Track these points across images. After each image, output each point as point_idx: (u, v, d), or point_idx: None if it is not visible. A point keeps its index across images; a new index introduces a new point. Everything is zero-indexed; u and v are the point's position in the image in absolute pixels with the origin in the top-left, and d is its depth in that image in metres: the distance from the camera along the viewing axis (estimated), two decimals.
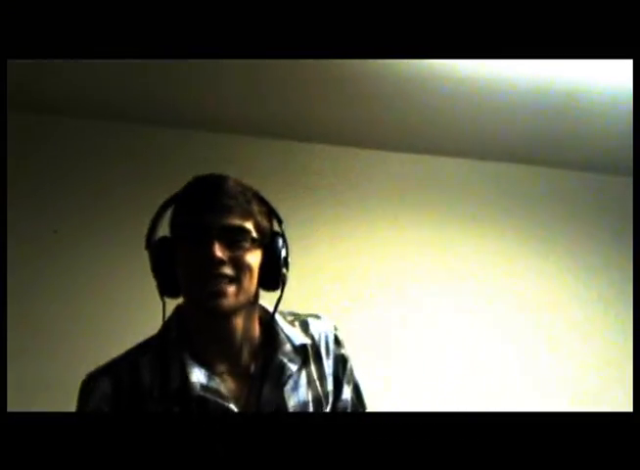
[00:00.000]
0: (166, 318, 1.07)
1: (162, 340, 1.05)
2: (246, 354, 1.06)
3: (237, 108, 2.23)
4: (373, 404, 1.52)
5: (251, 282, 1.03)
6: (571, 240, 2.62)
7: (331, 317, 1.53)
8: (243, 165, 2.42)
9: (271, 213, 1.11)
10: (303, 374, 1.11)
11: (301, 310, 1.58)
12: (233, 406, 1.00)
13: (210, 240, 0.98)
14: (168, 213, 1.08)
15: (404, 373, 2.31)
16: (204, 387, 1.00)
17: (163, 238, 1.06)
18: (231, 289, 1.00)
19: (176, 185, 2.56)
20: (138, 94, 2.14)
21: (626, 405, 2.34)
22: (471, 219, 2.54)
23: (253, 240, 1.03)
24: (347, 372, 1.18)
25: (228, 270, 0.99)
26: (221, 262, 0.98)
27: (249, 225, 1.03)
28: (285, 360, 1.08)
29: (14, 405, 1.45)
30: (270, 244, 1.07)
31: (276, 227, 1.11)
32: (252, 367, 1.06)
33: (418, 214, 2.51)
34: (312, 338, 1.14)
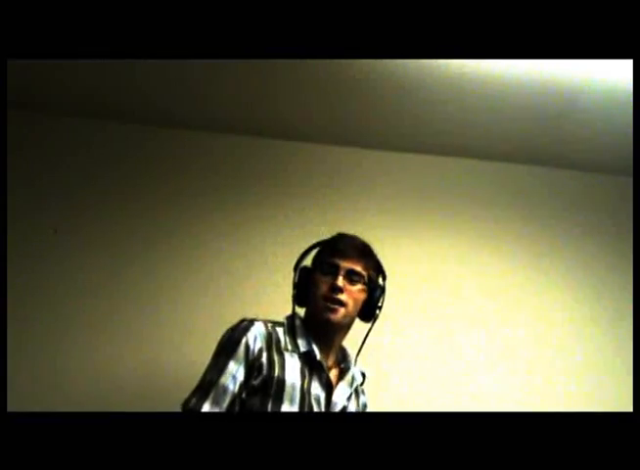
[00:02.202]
0: (289, 316, 1.56)
1: (290, 325, 1.52)
2: (333, 357, 1.55)
3: (237, 108, 2.23)
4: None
5: (354, 311, 1.52)
6: (571, 239, 2.61)
7: None
8: (243, 165, 2.43)
9: (380, 270, 1.61)
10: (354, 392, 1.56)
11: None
12: (330, 376, 1.49)
13: (338, 274, 1.49)
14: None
15: (401, 376, 2.31)
16: (320, 357, 1.48)
17: (305, 266, 1.56)
18: (341, 310, 1.48)
19: (176, 185, 2.57)
20: (138, 94, 2.14)
21: (626, 405, 2.33)
22: (471, 219, 2.54)
23: (364, 284, 1.53)
24: None
25: (343, 297, 1.48)
26: (340, 290, 1.48)
27: (364, 273, 1.53)
28: (355, 374, 1.56)
29: (14, 405, 1.45)
30: (373, 291, 1.56)
31: (380, 281, 1.61)
32: (334, 368, 1.54)
33: (418, 214, 2.51)
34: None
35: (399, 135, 2.42)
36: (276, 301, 1.95)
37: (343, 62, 1.88)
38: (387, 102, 2.15)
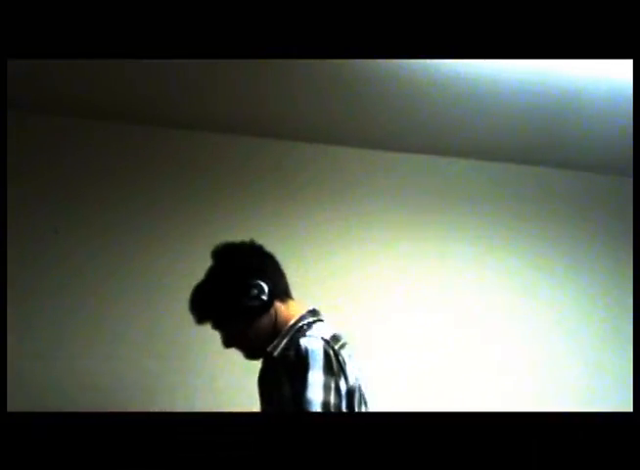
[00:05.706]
0: None
1: None
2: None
3: (237, 108, 2.23)
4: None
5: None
6: (571, 239, 2.62)
7: (325, 316, 1.52)
8: (242, 165, 2.43)
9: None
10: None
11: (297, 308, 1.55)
12: None
13: None
14: None
15: (399, 375, 2.31)
16: None
17: None
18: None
19: (176, 185, 2.57)
20: (138, 94, 2.14)
21: (626, 405, 2.34)
22: (471, 219, 2.54)
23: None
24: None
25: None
26: None
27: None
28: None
29: (14, 405, 1.45)
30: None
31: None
32: None
33: (417, 214, 2.51)
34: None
35: (399, 135, 2.42)
36: None
37: (344, 62, 1.88)
38: (386, 102, 2.15)
